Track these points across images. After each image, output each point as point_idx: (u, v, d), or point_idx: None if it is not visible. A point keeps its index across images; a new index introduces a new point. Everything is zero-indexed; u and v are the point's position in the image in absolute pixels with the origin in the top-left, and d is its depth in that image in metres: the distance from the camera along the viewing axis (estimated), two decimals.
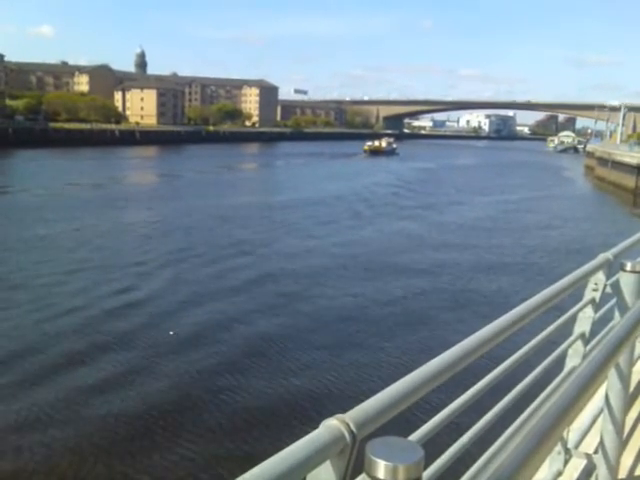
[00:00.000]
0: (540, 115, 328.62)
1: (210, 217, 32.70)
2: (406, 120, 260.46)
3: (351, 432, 1.29)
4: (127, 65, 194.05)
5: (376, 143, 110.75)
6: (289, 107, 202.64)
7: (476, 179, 66.70)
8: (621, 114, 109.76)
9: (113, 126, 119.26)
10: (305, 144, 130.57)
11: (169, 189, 48.17)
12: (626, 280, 3.44)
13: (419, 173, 69.97)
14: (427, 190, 51.71)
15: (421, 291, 19.10)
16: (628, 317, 2.47)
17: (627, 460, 3.73)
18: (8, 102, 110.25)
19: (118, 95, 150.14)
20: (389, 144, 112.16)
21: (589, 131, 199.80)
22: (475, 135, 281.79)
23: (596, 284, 3.49)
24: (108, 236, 26.56)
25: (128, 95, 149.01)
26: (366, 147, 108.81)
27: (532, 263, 24.11)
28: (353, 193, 46.61)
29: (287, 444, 1.19)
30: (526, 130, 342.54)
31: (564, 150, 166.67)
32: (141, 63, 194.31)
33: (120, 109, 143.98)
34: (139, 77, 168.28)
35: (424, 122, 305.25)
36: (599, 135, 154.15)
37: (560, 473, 3.51)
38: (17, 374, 11.91)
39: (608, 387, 3.01)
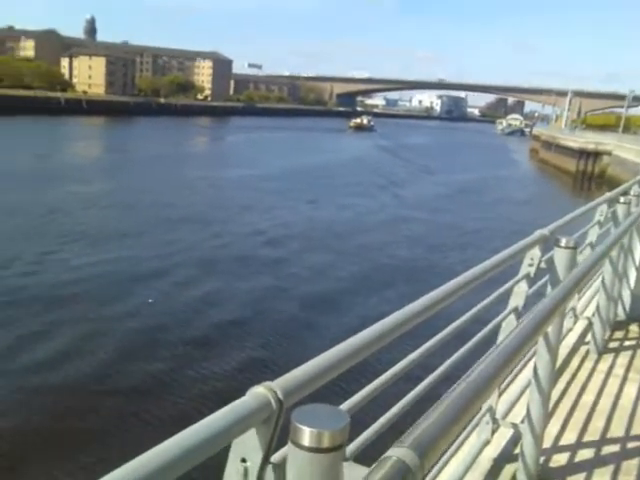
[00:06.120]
0: (490, 97, 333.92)
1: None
2: (359, 98, 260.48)
3: (278, 400, 1.28)
4: (76, 32, 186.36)
5: (358, 120, 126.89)
6: (243, 81, 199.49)
7: (433, 158, 67.98)
8: (567, 99, 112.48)
9: (59, 94, 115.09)
10: (263, 119, 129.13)
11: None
12: (560, 256, 3.50)
13: (399, 148, 78.39)
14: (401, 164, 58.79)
15: None
16: (556, 290, 2.53)
17: (552, 429, 3.87)
18: None
19: (65, 62, 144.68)
20: (369, 122, 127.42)
21: (536, 115, 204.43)
22: (427, 115, 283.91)
23: (532, 259, 3.54)
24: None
25: (75, 62, 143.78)
26: (352, 124, 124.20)
27: (473, 238, 25.46)
28: (369, 161, 57.93)
29: (212, 411, 1.19)
30: (476, 112, 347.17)
31: (511, 133, 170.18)
32: (90, 30, 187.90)
33: (67, 77, 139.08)
34: (88, 44, 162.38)
35: (377, 100, 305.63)
36: (546, 119, 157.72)
37: (488, 442, 3.61)
38: None
39: (537, 359, 3.09)
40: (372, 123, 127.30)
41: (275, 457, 1.35)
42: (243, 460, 1.31)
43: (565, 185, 50.07)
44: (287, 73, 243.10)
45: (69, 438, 9.06)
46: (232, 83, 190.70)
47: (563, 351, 5.18)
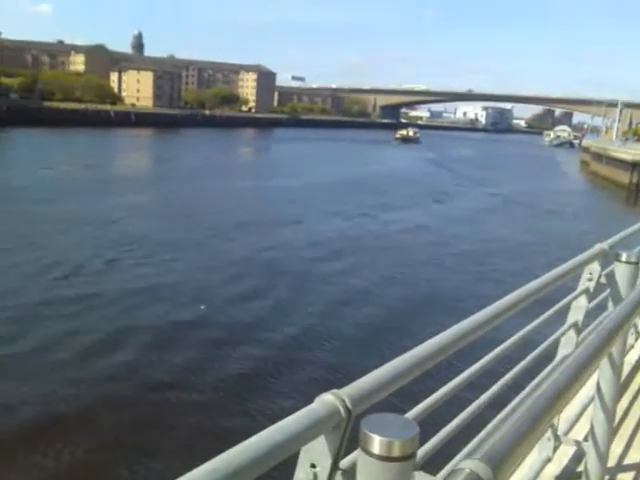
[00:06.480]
0: (537, 109, 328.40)
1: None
2: (403, 110, 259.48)
3: (346, 407, 1.29)
4: (124, 46, 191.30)
5: (404, 132, 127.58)
6: (286, 93, 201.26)
7: (480, 170, 67.39)
8: (618, 110, 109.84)
9: (108, 107, 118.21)
10: (307, 131, 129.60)
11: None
12: (621, 271, 3.44)
13: (446, 160, 78.74)
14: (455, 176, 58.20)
15: None
16: (621, 307, 2.49)
17: (617, 449, 3.75)
18: (2, 80, 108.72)
19: (114, 76, 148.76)
20: (415, 133, 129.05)
21: (585, 126, 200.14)
22: (471, 127, 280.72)
23: (591, 274, 3.49)
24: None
25: (124, 76, 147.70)
26: (398, 135, 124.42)
27: (526, 251, 25.14)
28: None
29: (282, 417, 1.21)
30: (522, 123, 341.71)
31: (560, 144, 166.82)
32: (138, 45, 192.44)
33: (116, 90, 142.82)
34: (136, 58, 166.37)
35: (421, 112, 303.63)
36: (595, 131, 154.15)
37: (549, 459, 3.54)
38: None
39: (600, 376, 3.03)
40: (418, 135, 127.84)
41: (343, 463, 1.36)
42: (312, 465, 1.33)
43: (618, 198, 48.85)
44: (332, 84, 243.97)
45: (141, 433, 9.41)
46: (276, 95, 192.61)
47: (625, 368, 5.05)
